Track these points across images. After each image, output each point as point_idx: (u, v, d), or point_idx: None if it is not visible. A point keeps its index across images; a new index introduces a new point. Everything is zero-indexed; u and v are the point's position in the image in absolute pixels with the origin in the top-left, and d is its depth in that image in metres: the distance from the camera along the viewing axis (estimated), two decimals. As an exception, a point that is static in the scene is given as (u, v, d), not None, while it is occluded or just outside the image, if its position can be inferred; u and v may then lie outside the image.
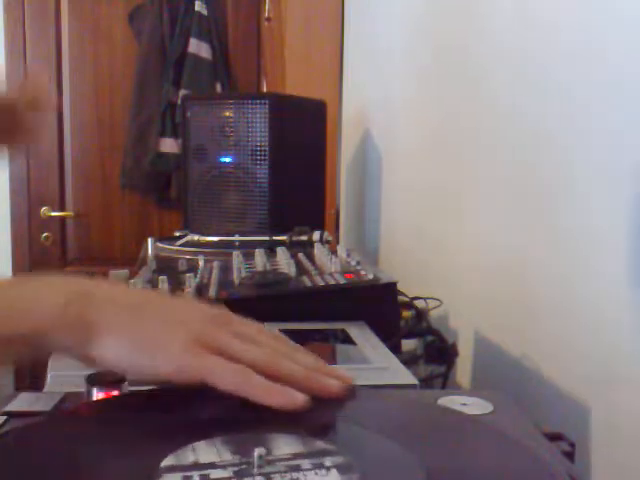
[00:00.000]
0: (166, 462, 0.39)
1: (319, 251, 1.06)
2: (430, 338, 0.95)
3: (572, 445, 0.49)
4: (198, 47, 2.71)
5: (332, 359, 0.78)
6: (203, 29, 2.72)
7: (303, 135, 1.42)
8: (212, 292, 0.87)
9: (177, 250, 1.23)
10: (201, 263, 1.04)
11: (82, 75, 2.79)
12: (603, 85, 0.72)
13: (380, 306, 0.88)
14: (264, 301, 0.85)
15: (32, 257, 2.79)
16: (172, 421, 0.47)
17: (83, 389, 0.51)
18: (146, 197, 2.83)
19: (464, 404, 0.52)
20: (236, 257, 1.04)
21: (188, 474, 0.38)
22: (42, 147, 2.79)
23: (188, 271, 0.98)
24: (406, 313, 0.97)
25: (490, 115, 1.02)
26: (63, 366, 0.64)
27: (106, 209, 2.83)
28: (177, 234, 1.36)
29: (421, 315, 0.98)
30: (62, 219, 2.83)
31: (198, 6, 2.71)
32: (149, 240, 1.24)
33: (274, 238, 1.23)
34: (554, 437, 0.49)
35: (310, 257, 1.05)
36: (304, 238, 1.22)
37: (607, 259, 0.71)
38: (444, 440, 0.46)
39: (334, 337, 0.81)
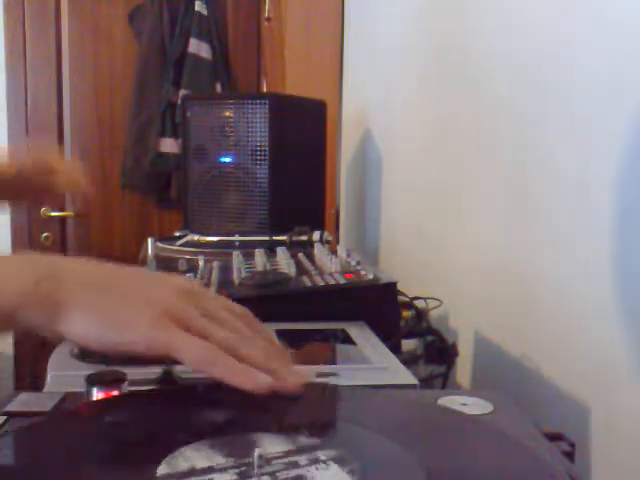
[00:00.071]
0: (161, 470, 0.39)
1: (319, 251, 1.06)
2: (430, 338, 0.95)
3: (572, 445, 0.49)
4: (198, 47, 2.71)
5: (332, 359, 0.78)
6: (203, 29, 2.72)
7: (303, 135, 1.42)
8: (212, 292, 0.87)
9: (177, 250, 1.23)
10: (201, 263, 1.04)
11: (82, 75, 2.79)
12: (603, 85, 0.72)
13: (380, 306, 0.88)
14: (264, 301, 0.85)
15: (32, 257, 2.78)
16: (172, 421, 0.47)
17: (83, 389, 0.52)
18: (146, 197, 2.83)
19: (464, 404, 0.52)
20: (236, 257, 1.04)
21: (193, 481, 0.38)
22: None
23: (188, 271, 0.98)
24: (406, 313, 0.97)
25: (490, 115, 1.02)
26: (63, 366, 0.64)
27: (106, 209, 2.83)
28: (177, 234, 1.36)
29: (421, 315, 0.98)
30: (62, 219, 2.83)
31: (198, 6, 2.71)
32: (149, 240, 1.24)
33: (274, 238, 1.23)
34: (554, 437, 0.49)
35: (310, 257, 1.05)
36: (304, 238, 1.22)
37: (607, 259, 0.71)
38: (444, 440, 0.46)
39: (334, 337, 0.81)
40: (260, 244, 1.17)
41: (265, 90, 2.74)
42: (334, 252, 1.04)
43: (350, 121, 1.90)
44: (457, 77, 1.15)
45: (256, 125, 1.31)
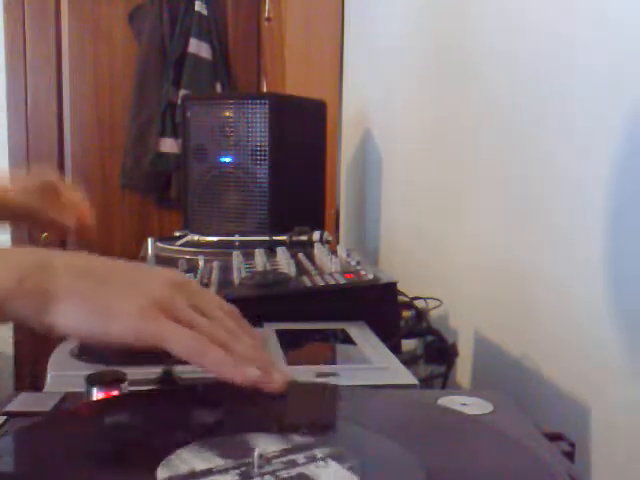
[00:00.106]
0: (161, 474, 0.39)
1: (319, 251, 1.06)
2: (430, 338, 0.95)
3: (572, 445, 0.49)
4: (198, 47, 2.71)
5: (332, 359, 0.78)
6: (203, 29, 2.72)
7: (303, 135, 1.42)
8: (212, 292, 0.87)
9: (177, 250, 1.23)
10: (201, 263, 1.04)
11: (82, 75, 2.79)
12: (603, 85, 0.72)
13: (380, 306, 0.88)
14: (264, 301, 0.85)
15: (32, 257, 2.78)
16: (172, 421, 0.47)
17: (83, 389, 0.51)
18: (146, 197, 2.83)
19: (464, 404, 0.52)
20: (236, 257, 1.04)
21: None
22: (42, 147, 2.80)
23: (188, 271, 0.98)
24: (406, 313, 0.97)
25: (490, 115, 1.02)
26: (63, 366, 0.64)
27: (106, 209, 2.83)
28: (177, 234, 1.36)
29: (421, 315, 0.98)
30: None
31: (198, 6, 2.71)
32: (149, 240, 1.24)
33: (274, 238, 1.23)
34: (554, 437, 0.49)
35: (310, 257, 1.05)
36: (304, 238, 1.22)
37: (607, 259, 0.71)
38: (444, 440, 0.46)
39: (334, 337, 0.81)
40: (260, 244, 1.17)
41: (265, 90, 2.74)
42: (334, 252, 1.04)
43: (350, 121, 1.90)
44: (457, 77, 1.15)
45: (256, 125, 1.31)
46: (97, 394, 0.51)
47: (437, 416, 0.51)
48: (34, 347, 2.54)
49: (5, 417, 0.49)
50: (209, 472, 0.39)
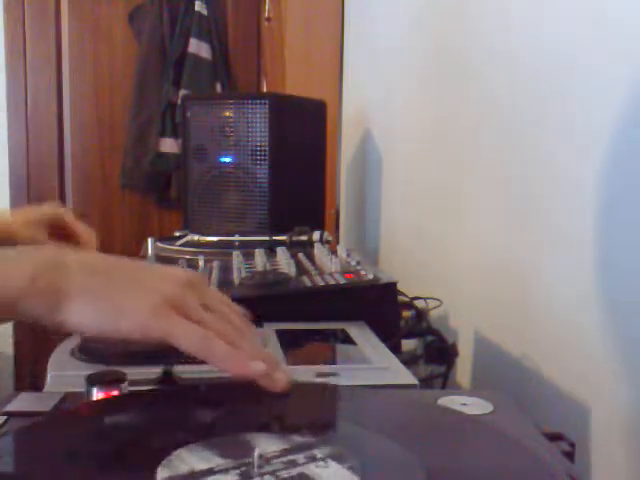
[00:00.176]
0: (162, 474, 0.39)
1: (319, 251, 1.06)
2: (430, 338, 0.95)
3: (572, 445, 0.49)
4: (198, 47, 2.71)
5: (332, 359, 0.78)
6: (203, 29, 2.72)
7: (303, 135, 1.42)
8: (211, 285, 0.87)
9: (177, 250, 1.23)
10: (201, 263, 1.04)
11: (82, 75, 2.79)
12: (603, 85, 0.72)
13: (380, 306, 0.88)
14: (264, 301, 0.85)
15: (32, 257, 2.78)
16: (172, 421, 0.47)
17: (83, 389, 0.51)
18: (146, 197, 2.83)
19: (464, 404, 0.52)
20: (236, 257, 1.04)
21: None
22: (42, 147, 2.80)
23: (188, 271, 0.98)
24: (406, 313, 0.97)
25: (490, 115, 1.02)
26: (63, 366, 0.64)
27: (106, 209, 2.83)
28: (177, 234, 1.36)
29: (421, 315, 0.98)
30: (62, 219, 2.83)
31: (198, 6, 2.71)
32: (149, 240, 1.24)
33: (274, 238, 1.23)
34: (554, 437, 0.49)
35: (310, 257, 1.05)
36: (304, 238, 1.22)
37: (607, 259, 0.71)
38: (444, 440, 0.46)
39: (334, 337, 0.81)
40: (260, 244, 1.17)
41: (265, 90, 2.74)
42: (334, 252, 1.04)
43: (350, 121, 1.90)
44: (457, 77, 1.15)
45: (256, 125, 1.31)
46: (97, 394, 0.51)
47: (437, 416, 0.51)
48: (34, 347, 2.54)
49: (5, 417, 0.49)
50: (209, 472, 0.39)
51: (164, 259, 1.17)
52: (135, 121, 2.75)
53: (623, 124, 0.69)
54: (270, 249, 1.12)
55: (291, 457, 0.40)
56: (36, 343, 2.49)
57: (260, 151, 1.31)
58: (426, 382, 0.89)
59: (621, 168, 0.69)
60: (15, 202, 2.80)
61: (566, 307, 0.79)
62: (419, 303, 1.01)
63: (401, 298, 0.98)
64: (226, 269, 0.99)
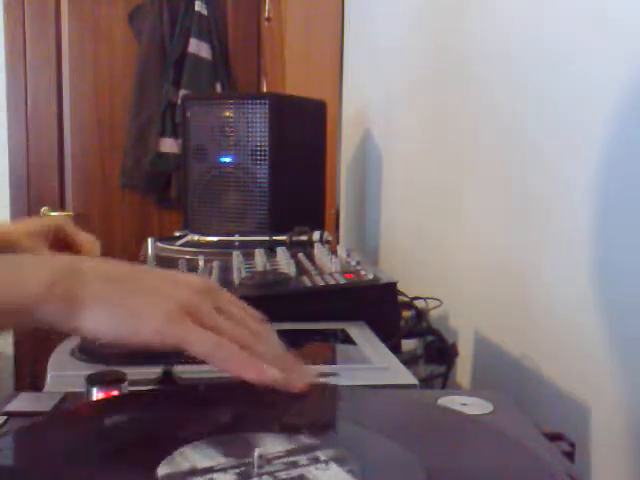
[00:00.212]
0: (162, 471, 0.39)
1: (319, 251, 1.06)
2: (430, 338, 0.95)
3: (572, 445, 0.49)
4: (198, 47, 2.71)
5: (332, 359, 0.78)
6: (203, 29, 2.72)
7: (303, 135, 1.42)
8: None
9: (177, 250, 1.23)
10: (201, 263, 1.04)
11: (82, 75, 2.79)
12: (604, 85, 0.72)
13: (380, 306, 0.88)
14: (264, 301, 0.85)
15: (32, 257, 2.78)
16: (172, 421, 0.47)
17: (83, 389, 0.52)
18: (146, 197, 2.83)
19: (464, 404, 0.52)
20: (236, 257, 1.04)
21: (193, 480, 0.38)
22: (42, 147, 2.80)
23: (188, 271, 0.98)
24: (406, 313, 0.97)
25: (490, 115, 1.02)
26: (63, 366, 0.64)
27: (106, 209, 2.84)
28: (177, 234, 1.36)
29: (421, 315, 0.98)
30: (62, 219, 2.83)
31: (198, 6, 2.71)
32: (149, 240, 1.24)
33: (274, 238, 1.23)
34: (554, 437, 0.49)
35: (310, 257, 1.05)
36: (304, 238, 1.22)
37: (607, 260, 0.71)
38: (444, 440, 0.46)
39: (334, 337, 0.81)
40: (260, 244, 1.17)
41: (265, 90, 2.74)
42: (334, 252, 1.04)
43: (350, 121, 1.90)
44: (457, 77, 1.15)
45: (256, 125, 1.31)
46: (97, 394, 0.51)
47: (437, 416, 0.51)
48: (34, 347, 2.54)
49: (5, 417, 0.49)
50: (209, 470, 0.39)
51: (164, 259, 1.17)
52: (135, 121, 2.75)
53: (623, 124, 0.69)
54: (270, 249, 1.12)
55: (293, 458, 0.40)
56: (36, 343, 2.49)
57: (260, 151, 1.31)
58: (426, 382, 0.89)
59: (620, 169, 0.69)
60: (15, 202, 2.81)
61: (566, 307, 0.79)
62: (419, 303, 1.01)
63: (401, 298, 0.98)
64: (226, 269, 0.99)
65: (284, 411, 0.48)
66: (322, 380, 0.54)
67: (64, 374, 0.62)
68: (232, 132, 1.32)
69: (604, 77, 0.72)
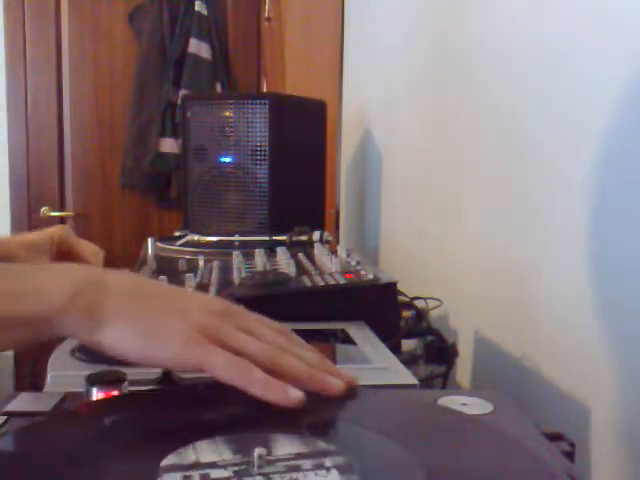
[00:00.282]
0: (166, 461, 0.39)
1: (319, 251, 1.06)
2: (430, 338, 0.95)
3: (572, 445, 0.49)
4: (198, 47, 2.71)
5: (332, 359, 0.78)
6: (203, 29, 2.72)
7: (303, 135, 1.42)
8: (212, 292, 0.87)
9: (177, 250, 1.23)
10: (201, 263, 1.04)
11: (82, 75, 2.79)
12: (604, 85, 0.72)
13: (380, 306, 0.88)
14: (264, 301, 0.85)
15: (32, 257, 2.78)
16: (172, 421, 0.47)
17: (83, 389, 0.51)
18: (146, 197, 2.83)
19: (464, 404, 0.52)
20: (236, 257, 1.04)
21: (188, 473, 0.38)
22: (42, 147, 2.80)
23: (188, 271, 0.98)
24: (406, 313, 0.97)
25: (490, 115, 1.02)
26: (63, 366, 0.64)
27: (106, 209, 2.84)
28: (177, 234, 1.36)
29: (421, 315, 0.98)
30: (62, 219, 2.83)
31: (198, 6, 2.71)
32: (149, 240, 1.24)
33: (274, 238, 1.23)
34: (554, 437, 0.49)
35: (310, 257, 1.05)
36: (304, 238, 1.22)
37: (606, 260, 0.71)
38: (444, 440, 0.46)
39: (334, 337, 0.81)
40: (260, 244, 1.17)
41: (265, 90, 2.74)
42: (334, 252, 1.04)
43: (350, 121, 1.90)
44: (457, 77, 1.15)
45: (256, 125, 1.31)
46: (97, 394, 0.51)
47: (437, 416, 0.51)
48: (34, 347, 2.54)
49: (5, 417, 0.49)
50: (210, 465, 0.39)
51: (164, 259, 1.17)
52: (135, 121, 2.75)
53: (623, 124, 0.69)
54: (270, 249, 1.12)
55: (298, 462, 0.40)
56: (37, 344, 2.49)
57: (260, 151, 1.31)
58: (426, 382, 0.89)
59: (620, 169, 0.69)
60: (15, 202, 2.81)
61: (566, 307, 0.79)
62: (419, 303, 1.01)
63: (401, 298, 0.98)
64: (226, 269, 0.99)
65: (283, 412, 0.48)
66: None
67: (64, 374, 0.62)
68: (232, 132, 1.32)
69: (604, 77, 0.72)
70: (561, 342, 0.80)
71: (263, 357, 0.49)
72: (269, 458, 0.40)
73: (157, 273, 1.01)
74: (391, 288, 0.90)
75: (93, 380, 0.51)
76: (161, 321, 0.50)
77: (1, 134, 2.76)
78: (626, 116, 0.68)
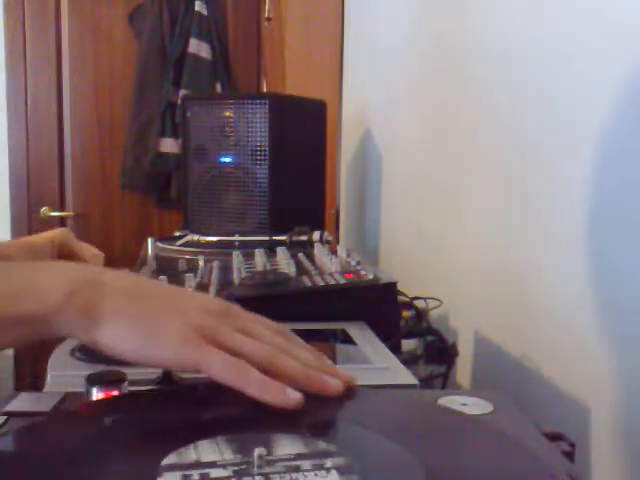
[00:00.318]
0: (167, 461, 0.39)
1: (319, 251, 1.06)
2: (430, 338, 0.95)
3: (572, 445, 0.49)
4: (198, 47, 2.71)
5: (332, 359, 0.78)
6: (203, 29, 2.72)
7: (303, 135, 1.42)
8: (212, 292, 0.87)
9: (177, 250, 1.23)
10: (201, 263, 1.04)
11: (82, 75, 2.79)
12: (604, 85, 0.72)
13: (380, 306, 0.88)
14: (264, 301, 0.85)
15: (32, 257, 2.78)
16: (172, 421, 0.47)
17: (83, 389, 0.51)
18: (146, 197, 2.83)
19: (464, 404, 0.52)
20: (236, 257, 1.04)
21: (188, 473, 0.38)
22: (42, 147, 2.80)
23: (188, 271, 0.98)
24: (406, 313, 0.97)
25: (490, 115, 1.02)
26: (63, 366, 0.64)
27: (106, 209, 2.84)
28: (177, 234, 1.36)
29: (421, 315, 0.98)
30: (62, 219, 2.83)
31: (198, 6, 2.71)
32: (149, 240, 1.24)
33: (274, 238, 1.23)
34: (554, 437, 0.49)
35: (310, 257, 1.05)
36: (304, 238, 1.22)
37: (606, 260, 0.71)
38: (444, 440, 0.46)
39: (334, 337, 0.81)
40: (260, 244, 1.17)
41: (265, 90, 2.74)
42: (334, 252, 1.04)
43: (350, 121, 1.90)
44: (457, 77, 1.15)
45: (256, 125, 1.31)
46: (97, 394, 0.51)
47: (437, 416, 0.51)
48: (34, 347, 2.54)
49: (5, 417, 0.49)
50: (210, 465, 0.39)
51: (164, 259, 1.17)
52: (135, 121, 2.75)
53: (623, 124, 0.69)
54: (270, 249, 1.12)
55: (298, 462, 0.40)
56: (36, 343, 2.49)
57: (260, 151, 1.31)
58: (426, 382, 0.89)
59: (620, 169, 0.69)
60: (15, 202, 2.81)
61: (566, 307, 0.79)
62: (419, 303, 1.01)
63: (401, 298, 0.98)
64: (226, 269, 0.99)
65: (283, 412, 0.47)
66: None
67: (64, 374, 0.62)
68: (232, 132, 1.32)
69: (604, 77, 0.72)
70: (561, 342, 0.80)
71: (260, 357, 0.49)
72: (269, 458, 0.40)
73: (157, 273, 1.01)
74: (391, 288, 0.90)
75: (93, 380, 0.51)
76: (159, 321, 0.49)
77: (1, 134, 2.76)
78: (626, 116, 0.68)
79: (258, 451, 0.39)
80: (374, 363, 0.68)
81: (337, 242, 1.77)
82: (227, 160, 1.33)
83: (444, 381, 0.90)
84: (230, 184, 1.33)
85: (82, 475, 0.40)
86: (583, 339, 0.75)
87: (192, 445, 0.41)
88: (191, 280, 0.90)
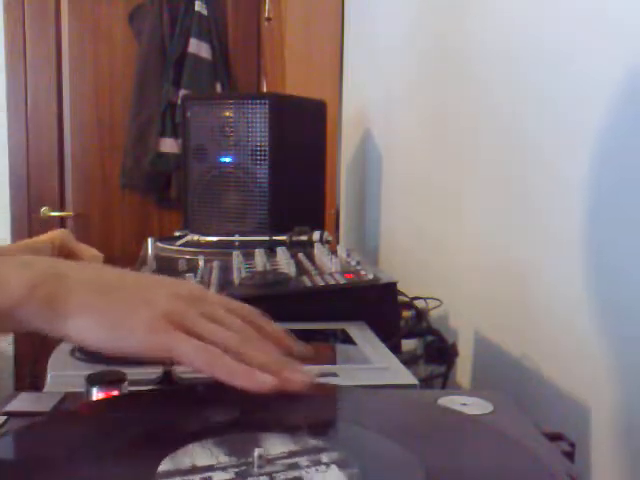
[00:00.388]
0: (163, 467, 0.39)
1: (319, 251, 1.06)
2: (430, 338, 0.95)
3: (572, 445, 0.49)
4: (198, 47, 2.71)
5: (332, 359, 0.78)
6: (203, 29, 2.72)
7: (303, 135, 1.42)
8: (216, 294, 0.87)
9: (177, 250, 1.23)
10: (201, 263, 1.04)
11: (82, 75, 2.79)
12: (604, 85, 0.72)
13: (380, 306, 0.88)
14: (264, 301, 0.85)
15: (32, 257, 2.78)
16: (172, 421, 0.47)
17: (83, 389, 0.52)
18: (146, 197, 2.83)
19: (464, 404, 0.52)
20: (236, 257, 1.04)
21: (189, 478, 0.38)
22: (42, 147, 2.80)
23: (188, 271, 0.98)
24: (406, 313, 0.97)
25: (490, 115, 1.02)
26: (63, 366, 0.64)
27: (106, 209, 2.84)
28: (177, 234, 1.36)
29: (421, 315, 0.98)
30: (62, 219, 2.83)
31: (198, 6, 2.71)
32: (149, 240, 1.24)
33: (274, 238, 1.23)
34: (554, 437, 0.49)
35: (310, 257, 1.05)
36: (304, 238, 1.22)
37: (606, 260, 0.71)
38: (444, 440, 0.46)
39: (334, 337, 0.81)
40: (260, 244, 1.17)
41: (265, 90, 2.74)
42: (334, 252, 1.04)
43: (350, 121, 1.90)
44: (457, 77, 1.15)
45: (256, 125, 1.31)
46: (97, 394, 0.51)
47: (437, 416, 0.51)
48: (34, 347, 2.54)
49: (5, 417, 0.49)
50: (209, 468, 0.39)
51: (164, 259, 1.17)
52: (135, 121, 2.75)
53: (623, 124, 0.69)
54: (270, 249, 1.12)
55: (295, 460, 0.40)
56: (36, 343, 2.49)
57: (260, 151, 1.31)
58: (426, 382, 0.89)
59: (620, 169, 0.69)
60: (15, 202, 2.81)
61: (566, 307, 0.79)
62: (419, 303, 1.01)
63: (401, 298, 0.98)
64: (226, 269, 0.99)
65: (285, 411, 0.48)
66: (321, 380, 0.54)
67: (64, 374, 0.62)
68: (232, 132, 1.32)
69: (604, 77, 0.72)
70: (561, 342, 0.80)
71: (224, 346, 0.49)
72: (267, 457, 0.40)
73: (157, 273, 1.01)
74: (391, 288, 0.90)
75: (93, 380, 0.51)
76: (125, 313, 0.49)
77: (1, 134, 2.76)
78: (626, 116, 0.68)
79: (258, 451, 0.39)
80: (374, 363, 0.68)
81: (337, 242, 1.77)
82: (227, 160, 1.33)
83: (444, 381, 0.90)
84: (230, 184, 1.33)
85: (82, 475, 0.40)
86: (583, 339, 0.75)
87: (182, 449, 0.41)
88: (191, 280, 0.90)
